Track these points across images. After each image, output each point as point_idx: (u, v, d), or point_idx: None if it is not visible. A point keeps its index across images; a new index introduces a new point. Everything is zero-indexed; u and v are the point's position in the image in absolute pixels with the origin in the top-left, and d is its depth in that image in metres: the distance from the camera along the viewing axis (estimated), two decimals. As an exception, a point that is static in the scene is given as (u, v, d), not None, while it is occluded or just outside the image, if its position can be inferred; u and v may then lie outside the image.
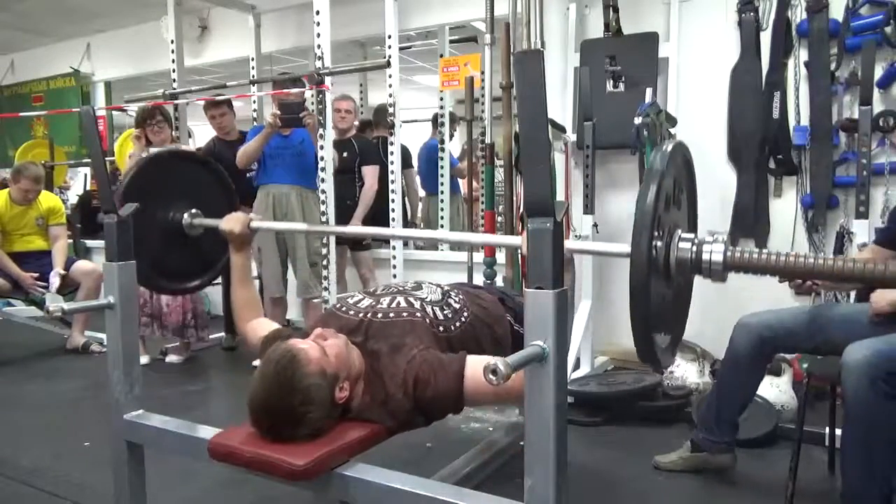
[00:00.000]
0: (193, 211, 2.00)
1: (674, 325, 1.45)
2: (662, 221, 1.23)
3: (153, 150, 3.73)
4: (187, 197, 2.01)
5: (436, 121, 4.92)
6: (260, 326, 1.87)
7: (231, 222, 1.88)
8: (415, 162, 5.49)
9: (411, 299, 1.70)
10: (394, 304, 1.68)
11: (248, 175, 3.90)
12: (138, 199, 1.85)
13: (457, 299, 1.77)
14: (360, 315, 1.66)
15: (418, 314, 1.64)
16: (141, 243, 1.84)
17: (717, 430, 2.24)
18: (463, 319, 1.71)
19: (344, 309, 1.72)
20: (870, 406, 1.70)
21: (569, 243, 1.32)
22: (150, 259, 1.91)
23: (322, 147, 3.53)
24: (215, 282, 4.15)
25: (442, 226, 4.67)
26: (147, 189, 1.92)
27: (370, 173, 4.10)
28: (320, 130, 3.51)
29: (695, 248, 1.24)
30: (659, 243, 1.22)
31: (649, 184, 1.20)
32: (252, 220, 1.89)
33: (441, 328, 1.64)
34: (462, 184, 5.27)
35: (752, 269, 1.22)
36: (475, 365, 1.47)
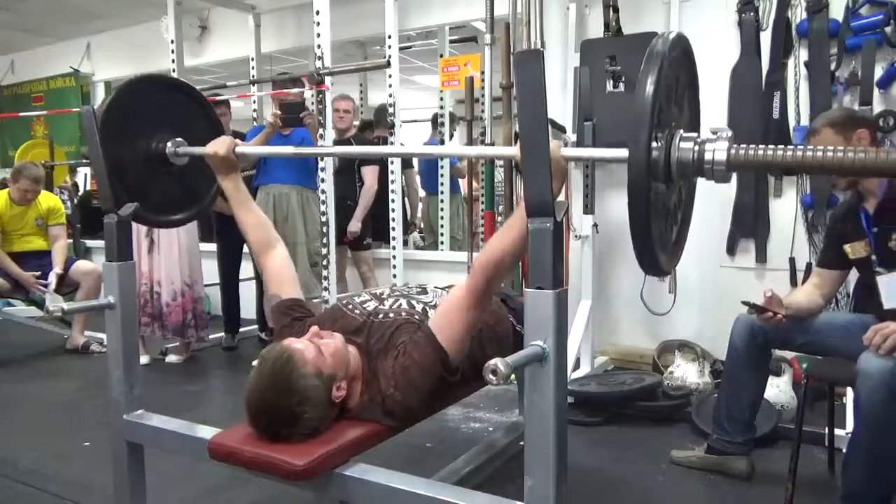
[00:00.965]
0: (178, 139, 1.90)
1: (676, 229, 1.37)
2: (663, 119, 1.14)
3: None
4: (171, 126, 1.91)
5: (435, 121, 4.92)
6: (281, 276, 1.86)
7: (215, 145, 1.80)
8: (415, 162, 5.49)
9: (413, 302, 1.71)
10: (395, 306, 1.70)
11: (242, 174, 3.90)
12: (118, 128, 1.78)
13: None
14: (364, 317, 1.67)
15: (416, 317, 1.65)
16: (124, 174, 1.79)
17: (729, 429, 2.24)
18: None
19: (351, 307, 1.73)
20: (883, 414, 1.70)
21: (566, 150, 1.27)
22: (134, 192, 1.82)
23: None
24: (212, 282, 4.23)
25: (442, 225, 4.68)
26: (127, 117, 1.82)
27: (370, 173, 4.10)
28: (320, 130, 3.51)
29: (697, 148, 1.15)
30: (659, 144, 1.13)
31: (649, 70, 1.08)
32: (237, 145, 1.83)
33: None
34: (462, 184, 5.27)
35: (756, 166, 1.15)
36: (436, 319, 1.52)
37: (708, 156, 1.15)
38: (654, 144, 1.11)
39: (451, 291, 1.56)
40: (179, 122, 1.94)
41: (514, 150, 1.32)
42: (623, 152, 1.13)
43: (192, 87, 2.16)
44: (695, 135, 1.19)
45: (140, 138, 1.87)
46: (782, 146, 1.13)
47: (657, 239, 1.18)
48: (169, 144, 1.89)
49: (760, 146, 1.15)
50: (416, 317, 1.64)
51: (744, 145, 1.15)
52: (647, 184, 1.10)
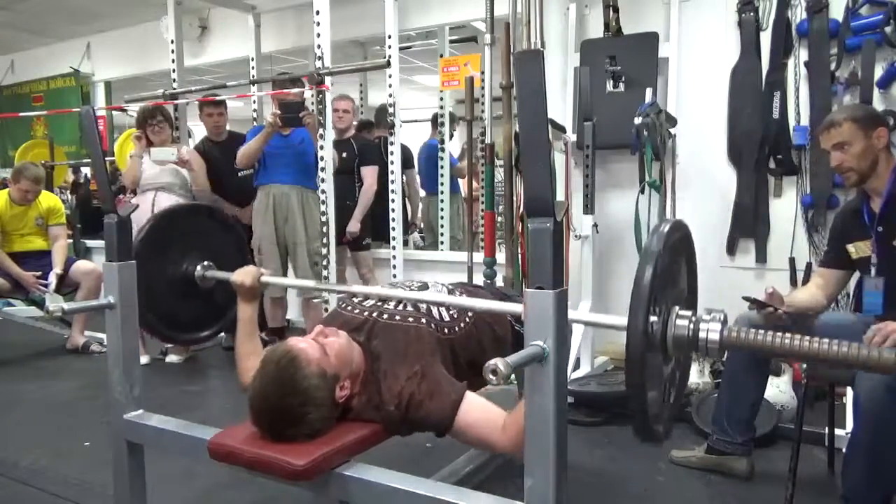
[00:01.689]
0: (206, 263, 2.02)
1: (671, 398, 1.47)
2: (660, 298, 1.24)
3: (154, 150, 3.74)
4: (199, 249, 2.04)
5: (435, 121, 4.92)
6: None
7: (242, 275, 1.89)
8: (415, 162, 5.49)
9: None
10: (399, 307, 1.68)
11: (240, 174, 3.91)
12: (151, 254, 1.89)
13: None
14: (365, 314, 1.66)
15: (423, 319, 1.63)
16: (153, 296, 1.88)
17: (729, 429, 2.24)
18: (467, 320, 1.71)
19: (349, 308, 1.72)
20: (883, 414, 1.71)
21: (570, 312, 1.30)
22: (162, 312, 1.96)
23: (322, 147, 3.53)
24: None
25: (442, 225, 4.67)
26: (160, 243, 1.96)
27: (369, 173, 4.10)
28: (320, 130, 3.51)
29: (692, 326, 1.25)
30: (656, 319, 1.22)
31: (645, 266, 1.22)
32: (263, 275, 1.91)
33: (445, 330, 1.64)
34: (462, 184, 5.27)
35: (748, 348, 1.25)
36: (472, 403, 1.49)
37: (702, 335, 1.25)
38: (652, 319, 1.20)
39: (495, 426, 1.46)
40: (206, 244, 2.06)
41: (519, 307, 1.36)
42: (622, 320, 1.22)
43: (221, 210, 2.34)
44: (690, 313, 1.28)
45: (171, 262, 1.99)
46: (772, 332, 1.21)
47: (653, 407, 1.26)
48: (198, 268, 1.99)
49: (752, 330, 1.23)
50: (423, 319, 1.63)
51: (736, 328, 1.24)
52: (644, 356, 1.18)
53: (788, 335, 1.20)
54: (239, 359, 1.87)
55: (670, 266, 1.32)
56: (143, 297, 1.83)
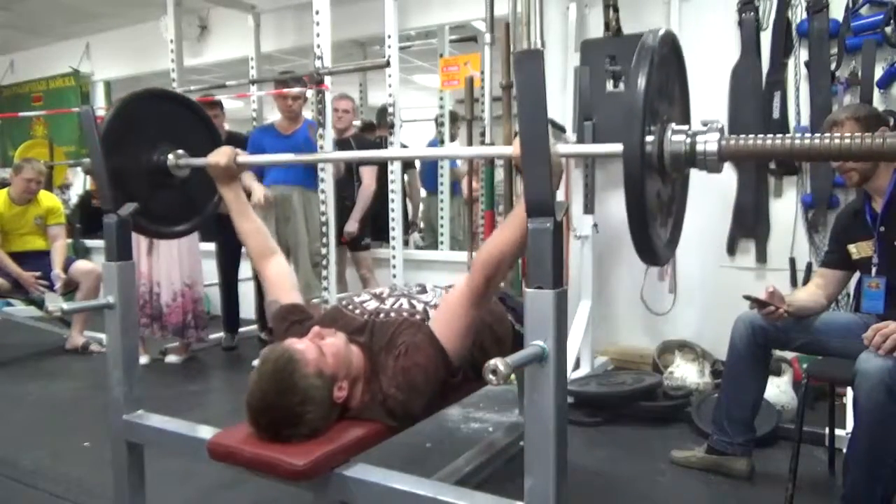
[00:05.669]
0: (179, 151, 1.93)
1: (672, 220, 1.41)
2: (655, 114, 1.17)
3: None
4: (172, 138, 1.95)
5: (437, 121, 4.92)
6: (279, 283, 1.86)
7: (217, 156, 1.82)
8: (416, 162, 5.49)
9: (414, 301, 1.72)
10: (396, 305, 1.70)
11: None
12: (120, 142, 1.81)
13: None
14: (366, 316, 1.68)
15: (418, 316, 1.65)
16: (127, 186, 1.82)
17: (729, 429, 2.24)
18: None
19: (351, 307, 1.74)
20: (883, 414, 1.70)
21: (561, 147, 1.28)
22: (136, 202, 1.84)
23: (322, 147, 3.53)
24: (212, 282, 4.24)
25: (442, 225, 4.67)
26: (129, 130, 1.86)
27: (367, 173, 4.10)
28: (320, 130, 3.51)
29: (688, 140, 1.19)
30: (652, 138, 1.16)
31: (640, 66, 1.11)
32: (238, 154, 1.84)
33: None
34: (462, 184, 5.27)
35: (747, 156, 1.18)
36: (437, 318, 1.54)
37: (700, 147, 1.18)
38: (647, 138, 1.14)
39: (451, 291, 1.55)
40: (180, 135, 1.97)
41: (510, 150, 1.34)
42: (618, 147, 1.16)
43: (191, 99, 2.19)
44: (686, 127, 1.22)
45: (142, 151, 1.90)
46: (772, 135, 1.15)
47: (654, 230, 1.21)
48: (171, 156, 1.92)
49: (751, 136, 1.17)
50: (418, 316, 1.64)
51: (734, 135, 1.18)
52: (643, 176, 1.13)
53: (788, 136, 1.14)
54: (245, 240, 1.90)
55: (665, 77, 1.24)
56: (119, 188, 1.77)
